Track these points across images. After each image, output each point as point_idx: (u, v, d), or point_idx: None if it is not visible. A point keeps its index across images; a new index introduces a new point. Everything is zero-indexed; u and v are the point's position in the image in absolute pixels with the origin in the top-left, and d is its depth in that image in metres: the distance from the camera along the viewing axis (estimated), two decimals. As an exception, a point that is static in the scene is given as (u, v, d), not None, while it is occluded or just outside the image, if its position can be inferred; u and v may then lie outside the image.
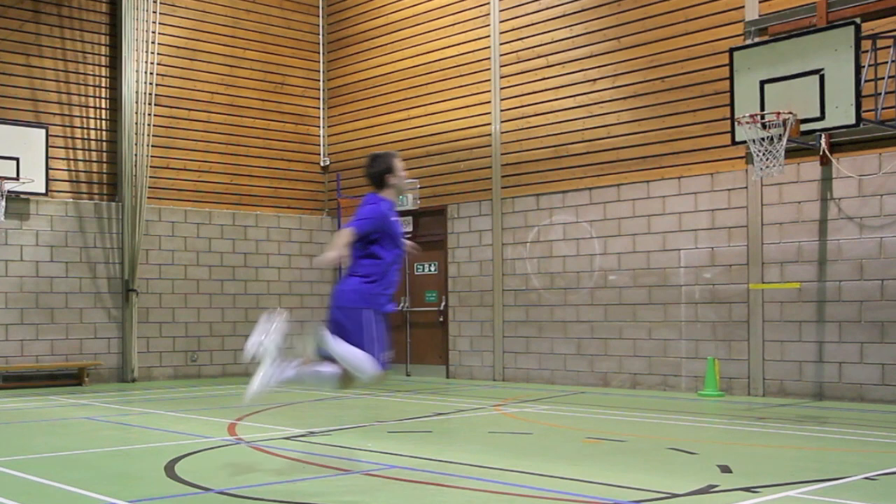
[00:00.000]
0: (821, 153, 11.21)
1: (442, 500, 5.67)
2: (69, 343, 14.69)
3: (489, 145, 14.89)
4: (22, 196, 14.23)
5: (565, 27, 13.98)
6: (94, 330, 14.94)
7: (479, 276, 15.00)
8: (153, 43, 15.48)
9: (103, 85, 15.31)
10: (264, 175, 16.89)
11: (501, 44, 14.76)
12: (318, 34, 17.69)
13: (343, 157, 17.31)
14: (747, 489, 5.84)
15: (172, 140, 15.82)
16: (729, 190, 12.19)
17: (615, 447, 7.84)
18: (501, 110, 14.75)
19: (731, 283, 12.12)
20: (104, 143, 15.28)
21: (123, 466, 7.09)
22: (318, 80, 17.64)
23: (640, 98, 13.12)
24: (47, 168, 14.33)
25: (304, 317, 16.97)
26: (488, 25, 14.93)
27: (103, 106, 15.29)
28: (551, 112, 14.10)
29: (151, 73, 15.40)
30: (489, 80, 14.90)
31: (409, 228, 15.59)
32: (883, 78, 10.60)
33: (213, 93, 16.32)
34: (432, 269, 15.71)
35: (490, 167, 14.89)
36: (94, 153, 15.18)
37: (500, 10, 14.78)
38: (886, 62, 10.57)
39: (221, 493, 5.84)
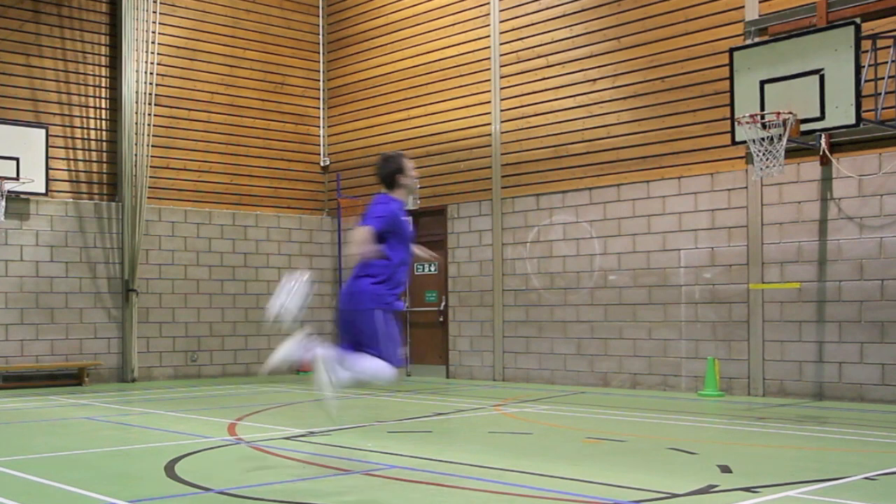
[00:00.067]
0: (821, 153, 11.21)
1: (442, 500, 5.67)
2: (69, 343, 14.70)
3: (489, 145, 14.89)
4: (22, 196, 14.24)
5: (565, 27, 13.98)
6: (94, 330, 14.94)
7: (479, 276, 15.00)
8: (153, 43, 15.48)
9: (103, 85, 15.31)
10: (264, 175, 16.89)
11: (501, 44, 14.76)
12: (318, 34, 17.69)
13: (343, 157, 17.31)
14: (747, 489, 5.84)
15: (172, 140, 15.82)
16: (729, 190, 12.19)
17: (615, 447, 7.84)
18: (501, 110, 14.75)
19: (731, 283, 12.12)
20: (104, 143, 15.28)
21: (123, 466, 7.09)
22: (318, 80, 17.64)
23: (640, 98, 13.12)
24: (47, 168, 14.33)
25: (303, 317, 16.95)
26: (488, 25, 14.93)
27: (103, 106, 15.30)
28: (551, 112, 14.10)
29: (151, 73, 15.40)
30: (489, 80, 14.90)
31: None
32: (883, 78, 10.60)
33: (213, 93, 16.32)
34: (432, 269, 15.70)
35: (490, 167, 14.89)
36: (94, 153, 15.19)
37: (500, 10, 14.78)
38: (886, 62, 10.57)
39: (221, 493, 5.84)
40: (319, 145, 17.63)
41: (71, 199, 14.89)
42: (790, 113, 10.33)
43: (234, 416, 10.06)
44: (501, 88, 14.74)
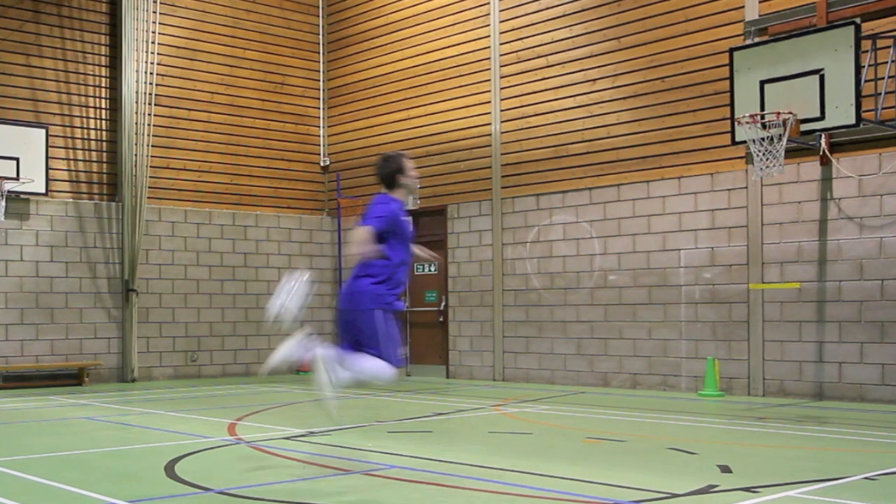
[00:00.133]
0: (821, 153, 11.21)
1: (442, 500, 5.67)
2: (69, 343, 14.70)
3: (489, 145, 14.89)
4: (22, 196, 14.24)
5: (565, 27, 13.98)
6: (94, 330, 14.94)
7: (479, 276, 15.00)
8: (153, 43, 15.48)
9: (103, 85, 15.31)
10: (264, 175, 16.89)
11: (501, 44, 14.76)
12: (318, 34, 17.69)
13: (343, 157, 17.31)
14: (747, 489, 5.84)
15: (172, 140, 15.82)
16: (729, 190, 12.19)
17: (615, 447, 7.84)
18: (501, 110, 14.75)
19: (731, 283, 12.12)
20: (104, 143, 15.28)
21: (123, 466, 7.09)
22: (318, 80, 17.64)
23: (640, 98, 13.12)
24: (47, 168, 14.33)
25: (303, 317, 16.95)
26: (488, 25, 14.94)
27: (103, 106, 15.30)
28: (551, 112, 14.10)
29: (151, 73, 15.40)
30: (489, 80, 14.90)
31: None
32: (883, 78, 10.61)
33: (213, 93, 16.32)
34: (432, 269, 15.70)
35: (490, 167, 14.89)
36: (94, 153, 15.19)
37: (500, 10, 14.78)
38: (886, 62, 10.57)
39: (221, 493, 5.84)
40: (319, 145, 17.63)
41: (71, 199, 14.89)
42: (790, 113, 10.33)
43: (234, 416, 10.06)
44: (501, 88, 14.74)
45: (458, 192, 15.30)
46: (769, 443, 7.99)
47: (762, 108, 10.58)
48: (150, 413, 10.55)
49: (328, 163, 17.54)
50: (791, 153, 10.89)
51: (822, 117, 10.26)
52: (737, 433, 8.75)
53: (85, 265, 14.91)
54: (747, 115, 10.54)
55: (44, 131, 14.37)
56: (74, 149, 15.00)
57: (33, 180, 14.07)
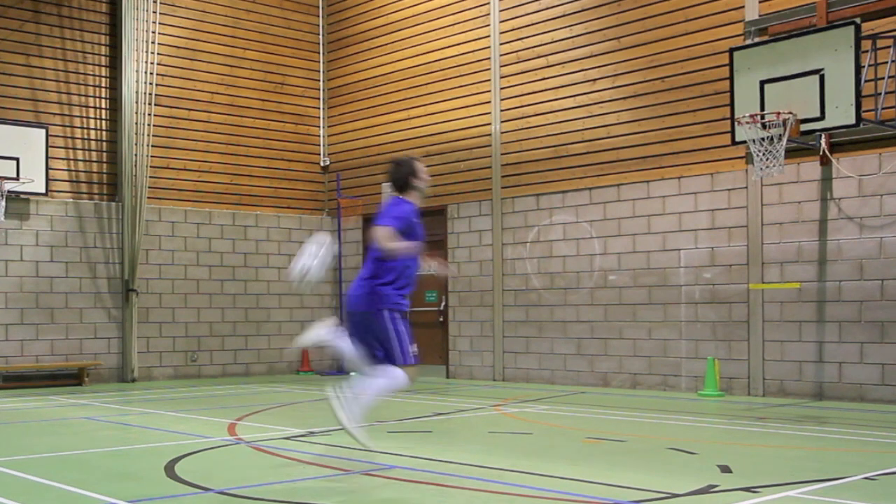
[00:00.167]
0: (821, 153, 11.21)
1: (442, 500, 5.67)
2: (69, 343, 14.70)
3: (489, 145, 14.89)
4: (22, 196, 14.24)
5: (565, 27, 13.98)
6: (94, 330, 14.94)
7: (479, 276, 15.00)
8: (153, 43, 15.48)
9: (103, 85, 15.31)
10: (264, 175, 16.89)
11: (501, 44, 14.76)
12: (318, 34, 17.69)
13: (343, 157, 17.31)
14: (747, 489, 5.84)
15: (172, 140, 15.82)
16: (729, 190, 12.19)
17: (615, 447, 7.84)
18: (501, 110, 14.75)
19: (731, 283, 12.12)
20: (104, 143, 15.28)
21: (123, 466, 7.09)
22: (318, 80, 17.64)
23: (640, 98, 13.12)
24: (47, 168, 14.33)
25: (304, 317, 16.99)
26: (488, 25, 14.93)
27: (103, 106, 15.30)
28: (551, 112, 14.10)
29: (151, 73, 15.40)
30: (489, 80, 14.90)
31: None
32: (883, 78, 10.61)
33: (213, 93, 16.32)
34: (432, 269, 15.67)
35: (490, 167, 14.89)
36: (94, 153, 15.19)
37: (500, 10, 14.78)
38: (886, 62, 10.57)
39: (221, 493, 5.84)
40: (319, 145, 17.63)
41: (71, 199, 14.89)
42: (790, 113, 10.33)
43: (234, 416, 10.06)
44: (501, 88, 14.74)
45: (458, 192, 15.30)
46: (769, 443, 7.99)
47: (762, 108, 10.58)
48: (150, 413, 10.55)
49: (328, 163, 17.54)
50: (791, 153, 10.89)
51: (822, 117, 10.26)
52: (737, 433, 8.75)
53: (85, 265, 14.91)
54: (747, 115, 10.54)
55: (44, 131, 14.37)
56: (74, 149, 15.00)
57: (33, 180, 14.07)
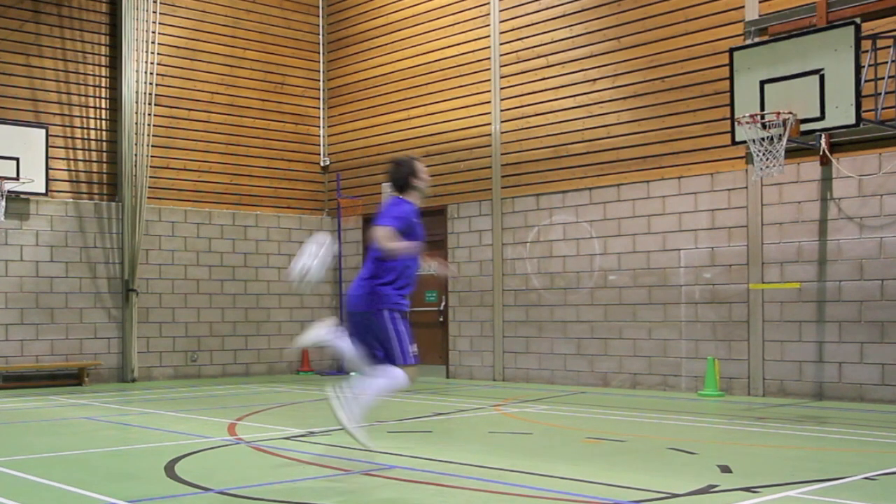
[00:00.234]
0: (821, 153, 11.21)
1: (442, 500, 5.67)
2: (69, 343, 14.70)
3: (489, 145, 14.89)
4: (22, 196, 14.24)
5: (565, 27, 13.98)
6: (94, 330, 14.94)
7: (479, 276, 15.00)
8: (153, 43, 15.48)
9: (103, 85, 15.31)
10: (264, 175, 16.89)
11: (501, 44, 14.76)
12: (318, 34, 17.69)
13: (343, 157, 17.31)
14: (747, 489, 5.84)
15: (172, 140, 15.82)
16: (729, 190, 12.19)
17: (615, 447, 7.84)
18: (501, 110, 14.75)
19: (731, 283, 12.12)
20: (104, 143, 15.28)
21: (123, 466, 7.09)
22: (318, 80, 17.64)
23: (640, 98, 13.12)
24: (47, 168, 14.33)
25: (304, 317, 16.99)
26: (488, 25, 14.93)
27: (103, 106, 15.30)
28: (551, 112, 14.10)
29: (151, 73, 15.40)
30: (489, 80, 14.90)
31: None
32: (883, 78, 10.61)
33: (213, 93, 16.32)
34: (432, 269, 15.68)
35: (490, 167, 14.89)
36: (94, 153, 15.19)
37: (500, 10, 14.78)
38: (886, 62, 10.57)
39: (221, 493, 5.84)
40: (319, 145, 17.63)
41: (71, 199, 14.89)
42: (790, 113, 10.33)
43: (234, 416, 10.06)
44: (501, 88, 14.74)
45: (458, 192, 15.30)
46: (769, 443, 7.99)
47: (762, 108, 10.58)
48: (150, 413, 10.55)
49: (328, 163, 17.54)
50: (791, 153, 10.89)
51: (822, 117, 10.26)
52: (737, 433, 8.75)
53: (85, 265, 14.91)
54: (747, 115, 10.53)
55: (44, 131, 14.37)
56: (74, 149, 15.00)
57: (33, 180, 14.07)
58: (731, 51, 11.14)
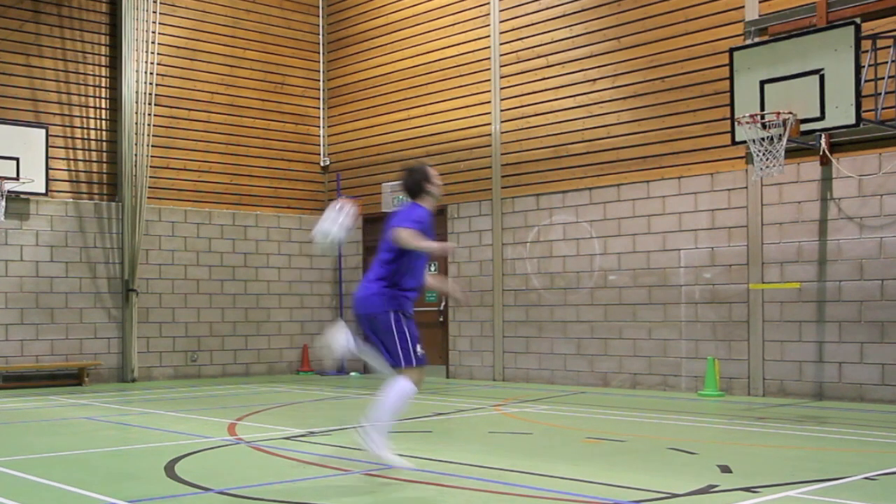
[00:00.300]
0: (821, 153, 11.21)
1: (442, 500, 5.67)
2: (69, 343, 14.69)
3: (489, 145, 14.89)
4: (22, 196, 14.23)
5: (565, 27, 13.98)
6: (94, 330, 14.94)
7: (479, 276, 15.00)
8: (153, 43, 15.47)
9: (103, 85, 15.30)
10: (264, 175, 16.88)
11: (501, 44, 14.76)
12: (318, 34, 17.69)
13: (343, 157, 17.31)
14: (747, 489, 5.84)
15: (172, 140, 15.82)
16: (729, 190, 12.19)
17: (615, 447, 7.84)
18: (501, 110, 14.75)
19: (731, 283, 12.12)
20: (104, 143, 15.28)
21: (123, 466, 7.09)
22: (318, 80, 17.64)
23: (640, 98, 13.12)
24: (47, 168, 14.33)
25: (304, 317, 16.99)
26: (488, 25, 14.93)
27: (103, 106, 15.29)
28: (551, 112, 14.10)
29: (151, 73, 15.39)
30: (489, 80, 14.90)
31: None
32: (883, 78, 10.61)
33: (213, 93, 16.32)
34: (432, 269, 15.70)
35: (490, 167, 14.89)
36: (94, 153, 15.18)
37: (500, 10, 14.78)
38: (886, 62, 10.57)
39: (221, 493, 5.84)
40: (319, 145, 17.63)
41: (71, 199, 14.89)
42: (790, 113, 10.33)
43: (234, 416, 10.06)
44: (501, 88, 14.74)
45: (458, 192, 15.29)
46: (769, 443, 7.99)
47: (762, 108, 10.58)
48: (150, 413, 10.55)
49: (328, 163, 17.54)
50: (791, 153, 10.89)
51: (822, 117, 10.26)
52: (737, 433, 8.75)
53: (85, 265, 14.91)
54: (747, 115, 10.54)
55: (44, 131, 14.37)
56: (74, 149, 14.99)
57: (33, 180, 14.07)
58: (731, 51, 11.14)
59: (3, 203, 13.72)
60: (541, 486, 6.01)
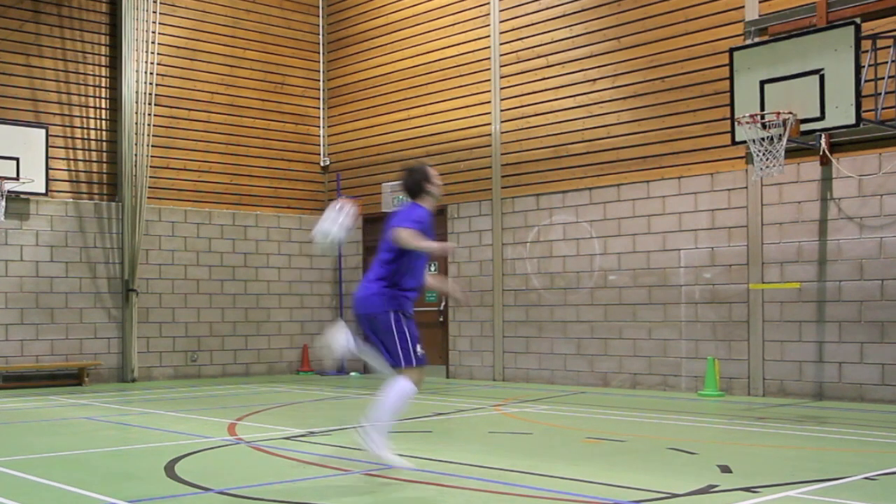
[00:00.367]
0: (821, 153, 11.21)
1: (442, 500, 5.67)
2: (69, 343, 14.69)
3: (489, 145, 14.89)
4: (22, 196, 14.23)
5: (565, 27, 13.98)
6: (94, 330, 14.94)
7: (479, 276, 14.99)
8: (153, 43, 15.47)
9: (103, 85, 15.30)
10: (264, 175, 16.88)
11: (501, 44, 14.76)
12: (318, 34, 17.69)
13: (343, 157, 17.31)
14: (747, 489, 5.84)
15: (172, 140, 15.82)
16: (729, 190, 12.19)
17: (615, 447, 7.84)
18: (501, 110, 14.75)
19: (731, 283, 12.12)
20: (104, 143, 15.28)
21: (123, 466, 7.09)
22: (318, 80, 17.64)
23: (640, 98, 13.12)
24: (47, 168, 14.33)
25: (304, 317, 16.99)
26: (488, 25, 14.93)
27: (103, 106, 15.29)
28: (551, 112, 14.10)
29: (151, 73, 15.39)
30: (489, 80, 14.90)
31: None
32: (883, 78, 10.61)
33: (213, 93, 16.32)
34: (432, 269, 15.69)
35: (490, 167, 14.89)
36: (94, 153, 15.18)
37: (500, 10, 14.78)
38: (886, 62, 10.57)
39: (221, 493, 5.84)
40: (319, 145, 17.63)
41: (71, 199, 14.89)
42: (790, 113, 10.33)
43: (234, 416, 10.06)
44: (501, 88, 14.74)
45: (458, 192, 15.29)
46: (769, 443, 7.99)
47: (762, 108, 10.58)
48: (150, 413, 10.55)
49: (328, 163, 17.54)
50: (791, 153, 10.89)
51: (822, 117, 10.26)
52: (737, 433, 8.75)
53: (85, 265, 14.91)
54: (747, 115, 10.54)
55: (44, 131, 14.37)
56: (74, 149, 14.99)
57: (33, 180, 14.07)
58: (731, 51, 11.14)
59: (3, 203, 13.72)
60: (541, 486, 6.01)
